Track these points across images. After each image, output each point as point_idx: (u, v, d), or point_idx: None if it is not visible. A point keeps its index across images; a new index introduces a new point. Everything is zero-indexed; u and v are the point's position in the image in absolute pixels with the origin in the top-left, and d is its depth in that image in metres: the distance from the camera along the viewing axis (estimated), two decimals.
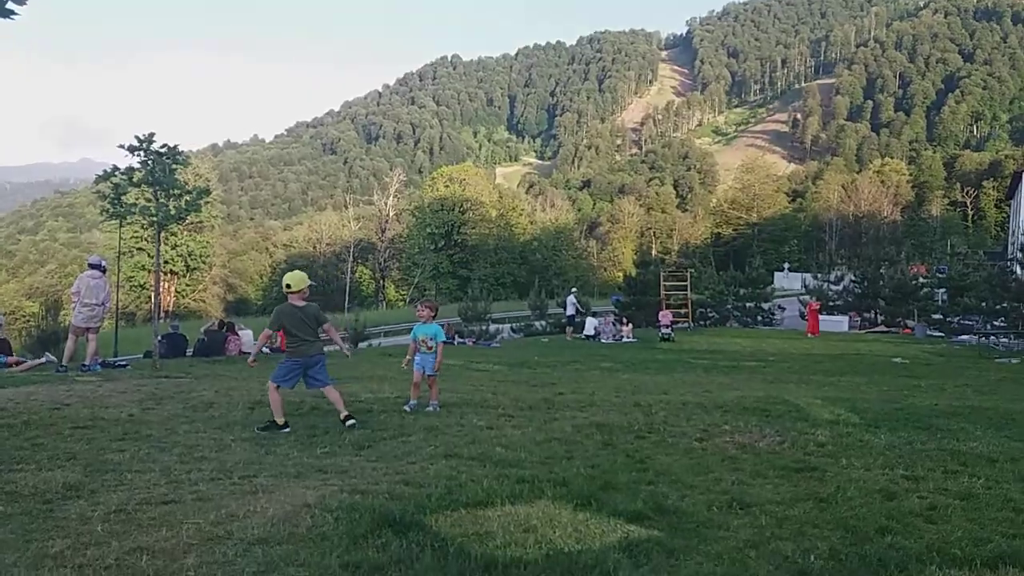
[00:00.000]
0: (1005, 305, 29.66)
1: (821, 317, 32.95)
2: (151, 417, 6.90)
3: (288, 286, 6.83)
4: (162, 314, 70.58)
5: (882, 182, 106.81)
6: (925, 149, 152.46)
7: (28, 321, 67.36)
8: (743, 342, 27.78)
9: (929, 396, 12.05)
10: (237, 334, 19.39)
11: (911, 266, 53.04)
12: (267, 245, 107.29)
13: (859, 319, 38.11)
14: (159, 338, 17.58)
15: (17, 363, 13.90)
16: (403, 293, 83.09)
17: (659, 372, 16.70)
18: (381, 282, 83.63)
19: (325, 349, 6.75)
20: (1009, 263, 40.19)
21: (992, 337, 28.43)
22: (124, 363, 15.02)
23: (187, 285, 75.57)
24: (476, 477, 4.21)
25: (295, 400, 8.17)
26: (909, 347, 26.13)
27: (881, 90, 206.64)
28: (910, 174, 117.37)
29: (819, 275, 49.21)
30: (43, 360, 13.48)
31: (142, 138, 13.67)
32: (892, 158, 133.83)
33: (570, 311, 30.67)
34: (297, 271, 7.31)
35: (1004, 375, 17.83)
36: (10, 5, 3.30)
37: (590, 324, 29.08)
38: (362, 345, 30.81)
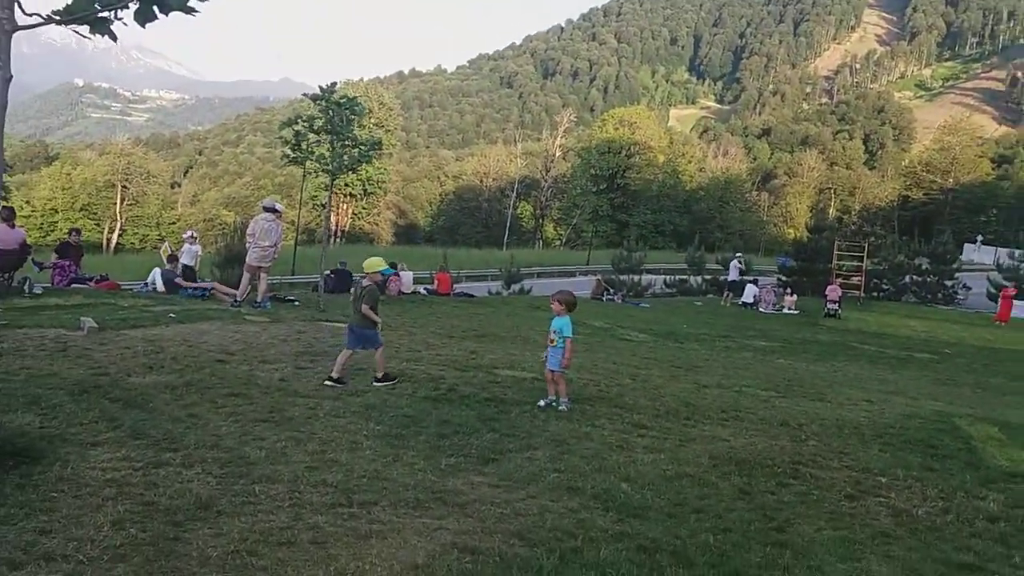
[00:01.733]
0: None
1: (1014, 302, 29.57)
2: (299, 386, 7.23)
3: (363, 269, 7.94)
4: (339, 233, 75.19)
5: None
6: None
7: (223, 229, 74.02)
8: (917, 325, 25.57)
9: None
10: (399, 275, 20.16)
11: None
12: (439, 174, 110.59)
13: None
14: (328, 273, 18.61)
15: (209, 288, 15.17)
16: (561, 232, 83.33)
17: (818, 359, 15.67)
18: (541, 220, 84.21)
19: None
20: None
21: None
22: (293, 299, 16.03)
23: (363, 208, 79.70)
24: (595, 534, 4.01)
25: (434, 376, 8.29)
26: None
27: None
28: None
29: (1016, 252, 44.24)
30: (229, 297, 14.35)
31: (325, 88, 14.23)
32: None
33: (732, 276, 29.41)
34: (376, 258, 8.05)
35: None
36: (192, 3, 3.34)
37: (749, 291, 27.80)
38: (514, 287, 31.24)
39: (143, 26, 3.46)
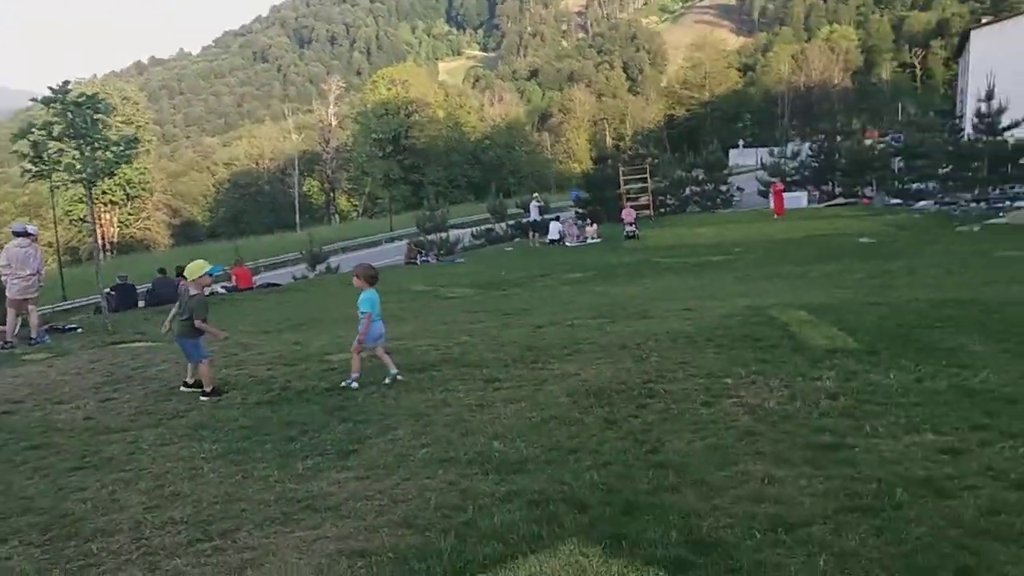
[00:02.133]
0: (960, 170, 29.97)
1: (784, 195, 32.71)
2: (110, 420, 6.35)
3: (183, 275, 7.38)
4: (107, 246, 68.30)
5: (831, 49, 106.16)
6: (872, 13, 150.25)
7: None
8: (706, 232, 27.64)
9: (905, 286, 11.99)
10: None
11: (865, 131, 53.12)
12: (208, 164, 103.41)
13: (817, 192, 38.25)
14: (108, 291, 16.74)
15: None
16: (355, 203, 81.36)
17: (629, 280, 16.43)
18: (331, 194, 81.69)
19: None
20: (958, 121, 40.60)
21: (950, 204, 28.75)
22: (74, 326, 14.23)
23: (129, 215, 72.85)
24: (483, 501, 3.80)
25: (262, 377, 7.66)
26: (871, 221, 26.30)
27: None
28: (859, 39, 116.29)
29: (775, 150, 49.04)
30: None
31: (56, 88, 12.47)
32: (840, 24, 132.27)
33: (533, 216, 30.17)
34: (199, 261, 7.39)
35: (968, 246, 18.01)
36: None
37: (554, 229, 28.66)
38: (320, 268, 30.03)
39: None
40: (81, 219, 64.66)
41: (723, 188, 38.80)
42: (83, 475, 4.84)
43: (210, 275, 7.42)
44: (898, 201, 32.67)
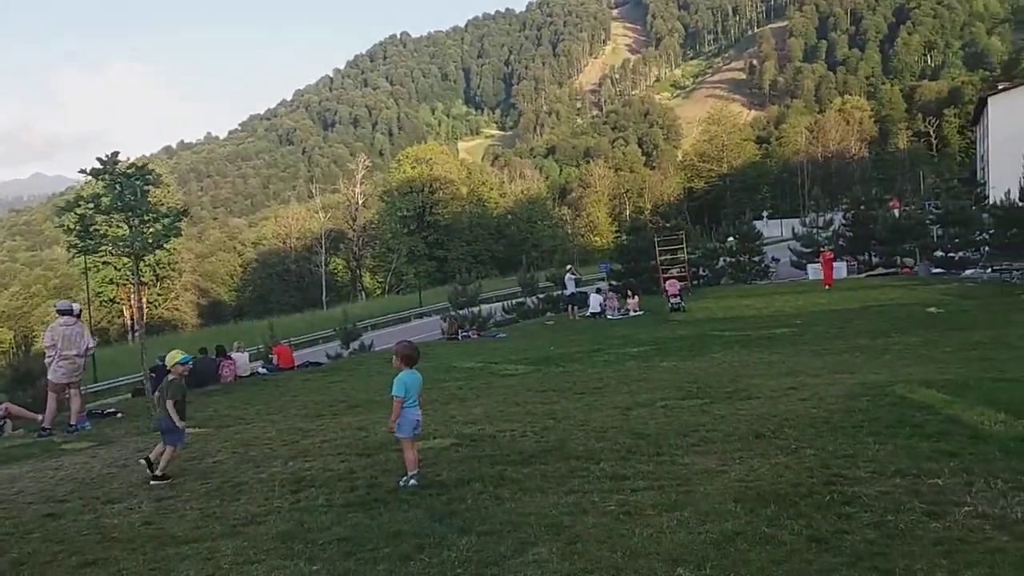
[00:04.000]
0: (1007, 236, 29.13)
1: (820, 265, 31.72)
2: (174, 526, 5.41)
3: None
4: (137, 326, 68.19)
5: (846, 120, 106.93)
6: (883, 83, 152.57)
7: (1, 348, 64.59)
8: (755, 303, 26.63)
9: (1014, 359, 10.99)
10: (231, 358, 17.78)
11: (892, 200, 52.52)
12: (235, 244, 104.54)
13: (856, 263, 37.33)
14: (148, 372, 15.95)
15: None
16: (380, 280, 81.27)
17: (697, 355, 15.41)
18: (357, 271, 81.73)
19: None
20: (981, 189, 40.04)
21: (1003, 270, 27.70)
22: (114, 410, 13.40)
23: (158, 295, 72.96)
24: None
25: (338, 472, 6.70)
26: (926, 291, 25.30)
27: (834, 28, 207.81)
28: (871, 109, 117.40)
29: (806, 219, 48.36)
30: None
31: (106, 159, 11.96)
32: (851, 95, 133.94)
33: (570, 289, 29.36)
34: (175, 351, 7.69)
35: None
36: None
37: (595, 301, 27.83)
38: (354, 345, 29.17)
39: None
40: (110, 300, 64.92)
41: (756, 259, 37.98)
42: None
43: (181, 364, 7.57)
44: (941, 270, 31.72)
